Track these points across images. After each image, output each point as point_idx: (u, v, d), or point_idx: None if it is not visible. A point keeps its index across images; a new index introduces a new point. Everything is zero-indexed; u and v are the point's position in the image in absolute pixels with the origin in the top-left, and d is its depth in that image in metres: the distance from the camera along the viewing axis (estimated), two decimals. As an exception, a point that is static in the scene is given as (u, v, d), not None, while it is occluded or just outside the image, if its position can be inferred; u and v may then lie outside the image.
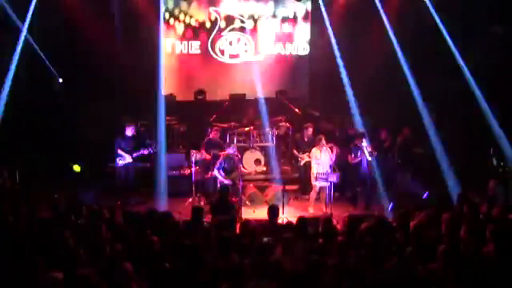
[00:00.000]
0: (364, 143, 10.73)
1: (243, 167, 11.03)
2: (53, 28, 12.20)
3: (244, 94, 13.77)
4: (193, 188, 10.80)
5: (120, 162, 10.93)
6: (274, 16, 13.92)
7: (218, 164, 10.46)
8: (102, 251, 5.95)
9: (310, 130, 11.49)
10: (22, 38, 11.57)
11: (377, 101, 13.17)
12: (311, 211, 10.62)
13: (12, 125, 11.58)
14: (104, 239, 6.32)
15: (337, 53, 13.24)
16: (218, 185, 10.38)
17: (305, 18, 14.02)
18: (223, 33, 13.76)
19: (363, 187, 11.02)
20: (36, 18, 11.78)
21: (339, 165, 10.66)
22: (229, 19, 13.74)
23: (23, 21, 11.58)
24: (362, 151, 10.71)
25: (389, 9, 13.12)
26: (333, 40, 13.29)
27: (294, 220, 8.07)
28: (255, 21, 13.84)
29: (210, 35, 13.69)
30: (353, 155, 10.78)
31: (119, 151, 10.97)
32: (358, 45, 13.35)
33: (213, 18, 13.66)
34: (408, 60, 13.29)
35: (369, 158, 10.71)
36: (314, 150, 10.66)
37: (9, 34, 11.58)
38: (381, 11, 13.01)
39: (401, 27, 12.96)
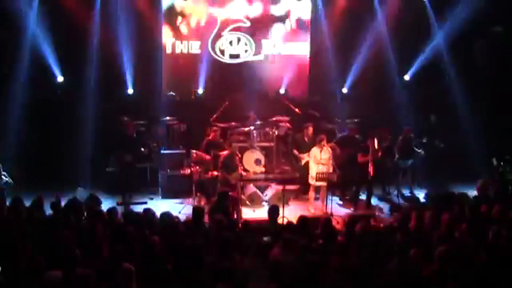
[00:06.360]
0: (375, 144, 10.78)
1: (243, 167, 11.00)
2: (54, 26, 12.21)
3: (244, 94, 13.74)
4: (193, 188, 10.78)
5: (119, 162, 10.94)
6: (274, 16, 13.90)
7: (219, 163, 10.42)
8: (102, 251, 5.96)
9: (311, 130, 11.49)
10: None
11: (377, 100, 13.18)
12: (311, 211, 10.62)
13: (12, 124, 11.62)
14: (104, 239, 6.32)
15: (336, 52, 13.28)
16: (219, 184, 10.35)
17: (305, 17, 13.99)
18: (223, 33, 13.74)
19: (364, 187, 11.03)
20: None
21: (340, 164, 10.66)
22: (230, 19, 13.72)
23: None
24: (371, 151, 10.70)
25: (388, 10, 13.19)
26: (333, 40, 13.32)
27: (294, 220, 8.08)
28: (256, 21, 13.82)
29: (210, 35, 13.68)
30: (362, 155, 10.75)
31: (118, 151, 10.97)
32: (358, 44, 13.35)
33: (213, 18, 13.65)
34: (408, 60, 13.36)
35: (379, 158, 10.76)
36: (314, 149, 10.65)
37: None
38: (379, 12, 13.09)
39: (399, 27, 13.01)
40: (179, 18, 13.52)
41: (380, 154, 10.87)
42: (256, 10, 13.74)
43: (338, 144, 11.17)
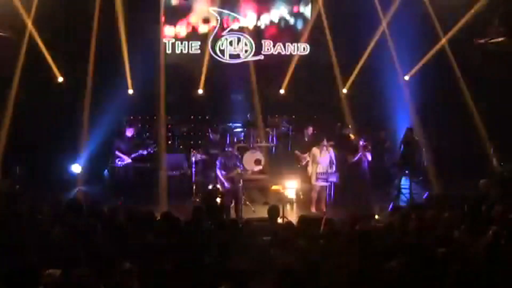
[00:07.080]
0: (362, 143, 10.78)
1: (244, 167, 11.00)
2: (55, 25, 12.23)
3: (244, 95, 13.75)
4: (193, 188, 10.79)
5: (119, 163, 10.94)
6: (274, 16, 13.90)
7: (218, 163, 10.42)
8: (102, 251, 5.96)
9: (310, 130, 11.49)
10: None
11: (377, 101, 13.19)
12: (312, 211, 10.61)
13: (12, 124, 11.63)
14: (104, 239, 6.32)
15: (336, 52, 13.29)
16: (218, 185, 10.35)
17: (306, 17, 14.00)
18: (223, 33, 13.75)
19: (363, 187, 11.02)
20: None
21: (340, 164, 10.66)
22: (230, 19, 13.73)
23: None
24: (361, 151, 10.72)
25: (388, 10, 13.21)
26: (333, 40, 13.35)
27: (294, 220, 8.07)
28: (256, 21, 13.82)
29: (210, 35, 13.68)
30: (352, 155, 10.78)
31: (118, 153, 10.98)
32: (358, 44, 13.36)
33: (213, 18, 13.65)
34: (408, 60, 13.36)
35: (369, 158, 10.74)
36: (314, 149, 10.65)
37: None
38: (380, 12, 13.11)
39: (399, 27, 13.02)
40: (179, 18, 13.52)
41: (369, 154, 10.86)
42: (263, 21, 13.77)
43: (335, 145, 11.17)
